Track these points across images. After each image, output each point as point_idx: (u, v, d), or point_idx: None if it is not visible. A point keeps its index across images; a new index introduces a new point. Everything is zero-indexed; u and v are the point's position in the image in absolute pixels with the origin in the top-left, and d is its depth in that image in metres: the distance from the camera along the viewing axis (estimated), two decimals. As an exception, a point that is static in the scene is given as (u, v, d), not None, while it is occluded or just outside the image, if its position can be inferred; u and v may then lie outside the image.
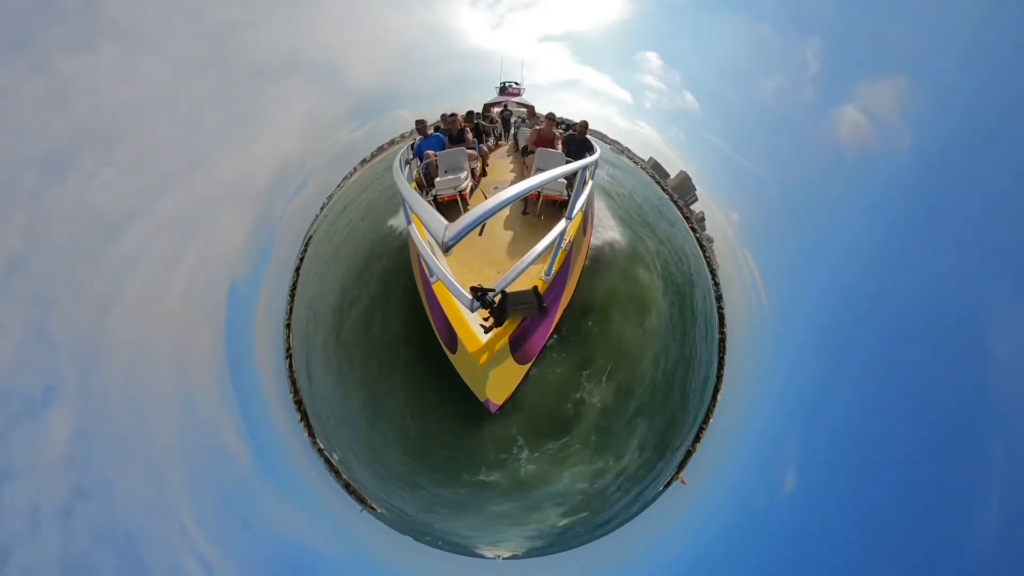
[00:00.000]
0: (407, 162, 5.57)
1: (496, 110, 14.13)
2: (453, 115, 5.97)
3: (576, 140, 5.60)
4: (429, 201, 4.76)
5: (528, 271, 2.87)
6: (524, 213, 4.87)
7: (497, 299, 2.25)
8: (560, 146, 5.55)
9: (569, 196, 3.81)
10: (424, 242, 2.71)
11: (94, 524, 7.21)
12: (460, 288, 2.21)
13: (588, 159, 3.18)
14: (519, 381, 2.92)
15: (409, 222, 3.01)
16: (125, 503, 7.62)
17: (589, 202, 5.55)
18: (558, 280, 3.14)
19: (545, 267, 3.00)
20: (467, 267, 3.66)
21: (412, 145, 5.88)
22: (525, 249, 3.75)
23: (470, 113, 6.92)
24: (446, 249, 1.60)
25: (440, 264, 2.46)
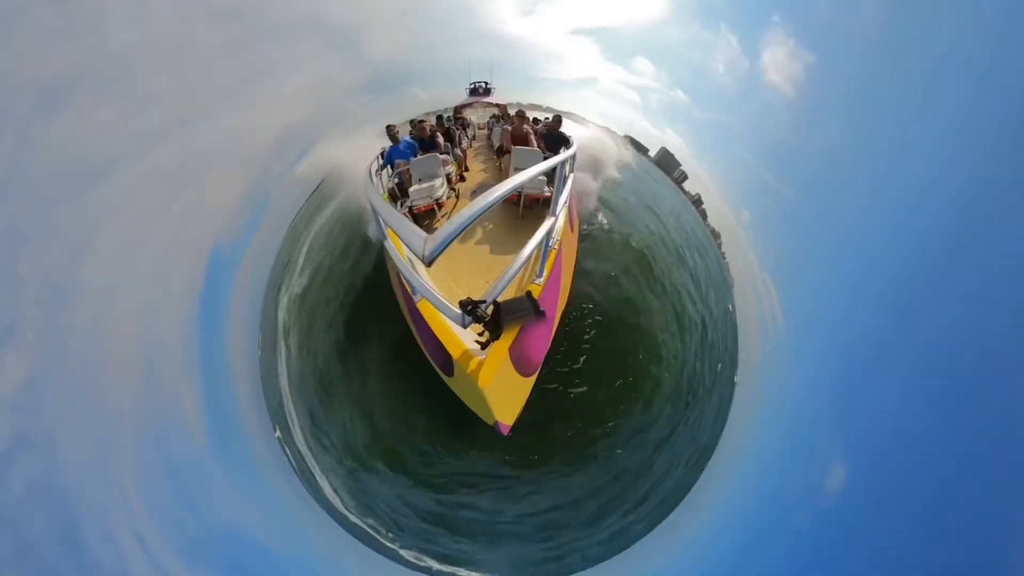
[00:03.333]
0: (378, 172, 5.49)
1: (468, 112, 14.51)
2: (421, 121, 5.92)
3: (552, 135, 5.64)
4: (404, 213, 4.66)
5: (518, 276, 2.87)
6: (521, 209, 4.86)
7: (490, 311, 2.21)
8: (535, 143, 5.57)
9: (551, 193, 3.81)
10: (403, 258, 2.67)
11: (30, 477, 7.00)
12: (448, 304, 2.16)
13: (566, 153, 3.25)
14: (527, 395, 2.82)
15: (385, 237, 2.94)
16: (67, 460, 7.43)
17: (573, 197, 5.51)
18: (551, 281, 3.12)
19: (536, 269, 3.01)
20: (452, 280, 3.59)
21: (382, 153, 5.81)
22: (512, 253, 3.79)
23: (439, 118, 6.87)
24: (428, 263, 1.58)
25: (423, 280, 2.39)
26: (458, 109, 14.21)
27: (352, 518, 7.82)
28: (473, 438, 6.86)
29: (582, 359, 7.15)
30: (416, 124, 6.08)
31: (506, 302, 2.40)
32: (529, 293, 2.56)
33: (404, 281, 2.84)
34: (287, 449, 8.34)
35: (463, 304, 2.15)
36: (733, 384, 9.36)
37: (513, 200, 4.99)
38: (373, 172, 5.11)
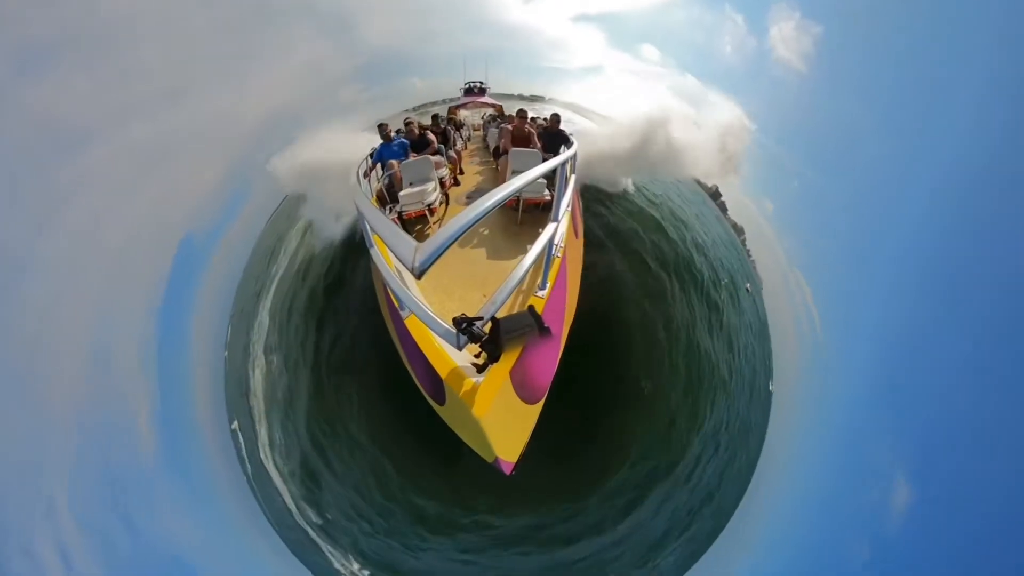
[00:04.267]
0: (366, 173, 5.33)
1: (463, 112, 14.49)
2: (410, 122, 5.76)
3: (550, 134, 5.54)
4: (393, 219, 4.53)
5: (519, 289, 2.72)
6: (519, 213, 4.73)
7: (487, 328, 2.05)
8: (534, 143, 5.47)
9: (552, 197, 3.64)
10: (390, 268, 2.51)
11: (-51, 473, 6.40)
12: (439, 321, 2.02)
13: (567, 153, 3.15)
14: (533, 426, 2.56)
15: (371, 245, 2.76)
16: (-7, 457, 6.79)
17: (576, 200, 5.38)
18: (556, 293, 2.96)
19: (538, 280, 2.86)
20: (445, 294, 3.46)
21: (371, 153, 5.65)
22: (511, 263, 3.45)
23: (435, 117, 6.73)
24: (418, 275, 1.48)
25: (411, 293, 2.24)
26: (452, 109, 14.20)
27: (314, 554, 7.23)
28: (469, 479, 6.38)
29: (590, 375, 6.76)
30: (405, 124, 5.87)
31: (506, 318, 2.16)
32: (532, 308, 2.33)
33: (391, 294, 2.61)
34: (247, 467, 7.78)
35: (457, 321, 1.96)
36: (768, 392, 8.83)
37: (511, 205, 4.86)
38: (361, 173, 4.93)
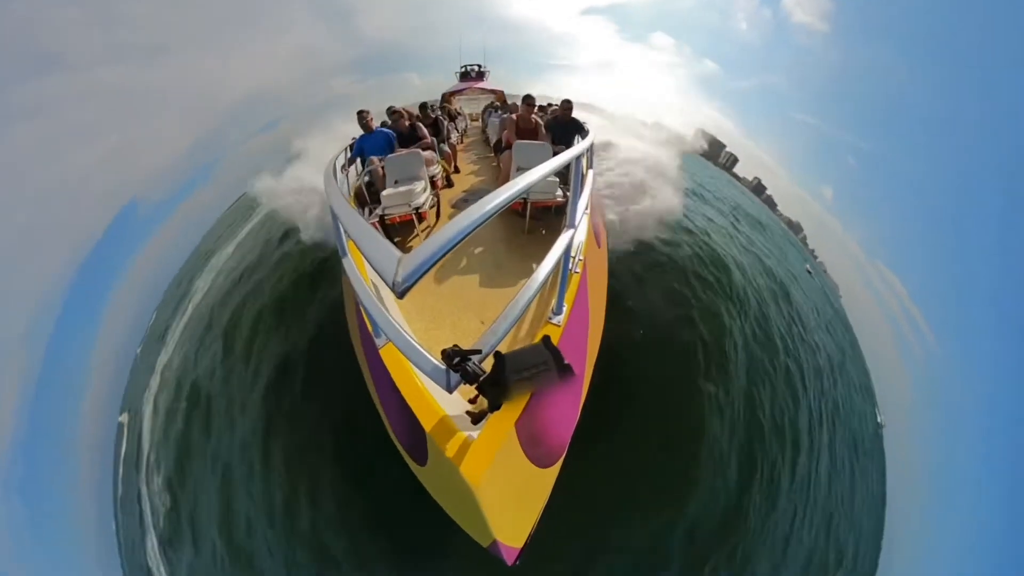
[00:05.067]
0: (343, 167, 5.42)
1: (459, 100, 14.77)
2: (396, 111, 5.91)
3: (561, 124, 5.64)
4: (374, 223, 4.54)
5: (527, 313, 2.70)
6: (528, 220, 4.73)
7: (487, 366, 1.91)
8: (542, 135, 5.56)
9: (566, 198, 3.73)
10: (365, 283, 2.41)
11: None
12: (425, 354, 1.91)
13: (582, 144, 3.05)
14: (546, 498, 2.29)
15: (344, 253, 2.69)
16: None
17: (595, 201, 5.29)
18: (576, 319, 2.81)
19: (553, 303, 2.74)
20: (433, 319, 3.36)
21: (351, 145, 5.79)
22: (518, 282, 3.55)
23: (423, 106, 6.87)
24: (400, 293, 1.40)
25: (391, 317, 2.14)
26: (446, 96, 14.53)
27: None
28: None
29: (624, 423, 6.11)
30: (391, 113, 6.00)
31: (513, 354, 2.00)
32: (546, 339, 2.14)
33: (364, 315, 2.53)
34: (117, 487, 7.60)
35: (448, 355, 1.81)
36: (877, 426, 8.28)
37: (517, 209, 4.86)
38: (337, 167, 4.94)
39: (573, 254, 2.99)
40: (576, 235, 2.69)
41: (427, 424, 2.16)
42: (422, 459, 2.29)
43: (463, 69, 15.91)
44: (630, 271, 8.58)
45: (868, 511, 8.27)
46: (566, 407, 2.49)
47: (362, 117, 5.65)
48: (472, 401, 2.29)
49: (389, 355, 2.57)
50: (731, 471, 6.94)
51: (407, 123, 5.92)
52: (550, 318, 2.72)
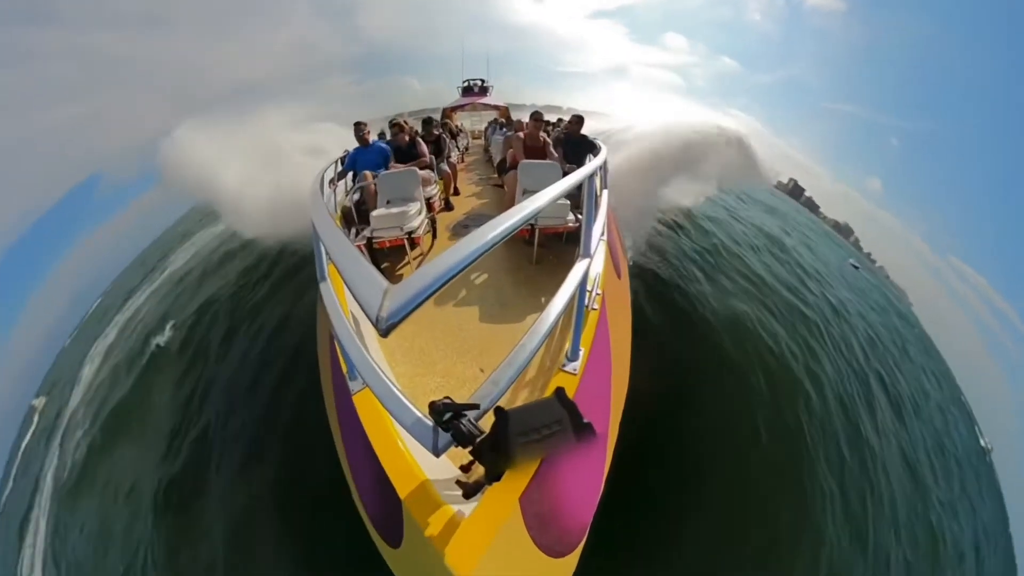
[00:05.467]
0: (332, 182, 5.50)
1: (460, 116, 15.18)
2: (397, 123, 6.00)
3: (571, 141, 5.74)
4: (360, 246, 4.53)
5: (536, 359, 2.54)
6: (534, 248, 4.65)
7: (488, 424, 1.71)
8: (550, 153, 5.62)
9: (579, 223, 3.62)
10: (344, 315, 2.33)
11: None
12: (410, 405, 1.79)
13: (594, 162, 3.03)
14: None
15: (322, 277, 2.63)
16: None
17: (613, 225, 5.26)
18: (596, 366, 2.68)
19: (566, 348, 2.62)
20: (421, 363, 3.26)
21: (343, 158, 5.89)
22: (525, 320, 3.54)
23: (428, 121, 6.99)
24: (384, 330, 1.31)
25: (370, 357, 2.03)
26: (447, 112, 14.99)
27: None
28: None
29: (666, 491, 5.28)
30: (392, 125, 6.08)
31: (518, 410, 1.80)
32: (560, 392, 1.91)
33: (339, 353, 2.43)
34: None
35: (437, 409, 1.60)
36: (982, 451, 7.56)
37: (524, 236, 4.83)
38: (326, 180, 4.93)
39: (589, 287, 2.88)
40: (592, 265, 2.60)
41: (404, 492, 1.97)
42: (394, 538, 2.07)
43: (466, 83, 16.44)
44: (657, 297, 8.35)
45: (994, 553, 7.58)
46: (586, 478, 2.29)
47: (359, 129, 5.72)
48: (465, 469, 2.07)
49: (364, 403, 2.44)
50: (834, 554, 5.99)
51: (407, 138, 5.99)
52: (564, 365, 2.59)
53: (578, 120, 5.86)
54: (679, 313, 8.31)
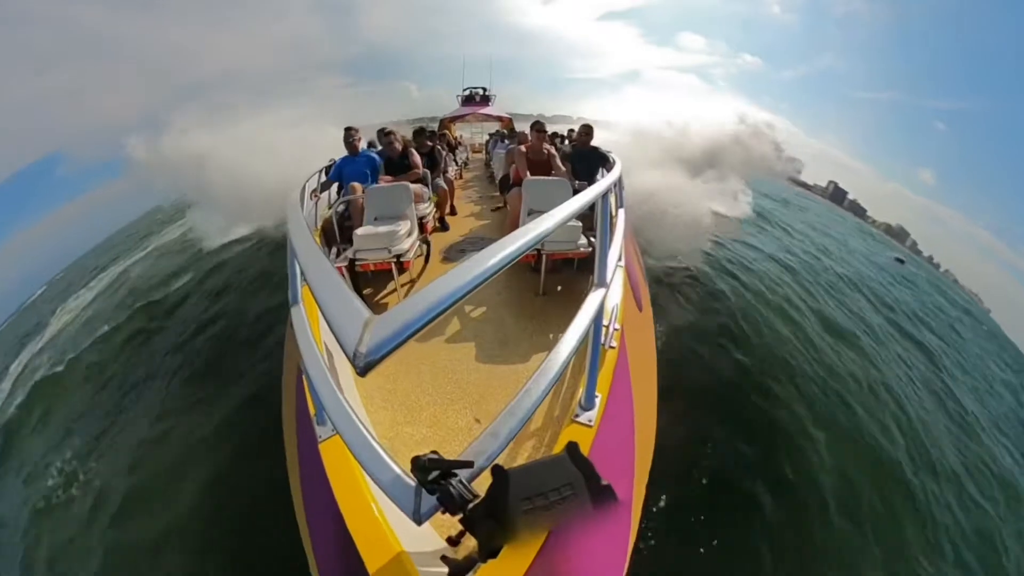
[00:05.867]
0: (314, 193, 5.54)
1: (459, 127, 15.49)
2: (389, 132, 6.05)
3: (581, 155, 5.80)
4: (341, 268, 4.50)
5: (543, 408, 2.54)
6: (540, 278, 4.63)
7: (484, 487, 1.62)
8: (559, 167, 5.66)
9: (592, 247, 3.64)
10: (317, 347, 2.30)
11: None
12: (388, 459, 1.66)
13: (609, 177, 3.00)
14: None
15: (295, 300, 2.61)
16: None
17: (632, 248, 5.27)
18: (616, 414, 2.64)
19: (580, 395, 2.58)
20: (405, 408, 3.18)
21: (328, 167, 5.94)
22: (530, 360, 3.50)
23: (420, 131, 7.03)
24: (362, 368, 1.26)
25: (345, 397, 1.97)
26: (445, 122, 15.32)
27: None
28: None
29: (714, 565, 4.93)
30: (384, 134, 6.13)
31: (522, 470, 1.73)
32: (572, 447, 1.85)
33: (306, 391, 2.40)
34: None
35: (422, 465, 1.50)
36: None
37: (529, 263, 4.81)
38: (308, 191, 4.94)
39: (606, 322, 2.83)
40: (609, 296, 2.52)
41: (374, 567, 1.87)
42: None
43: (466, 92, 16.83)
44: (688, 326, 8.14)
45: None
46: (606, 553, 2.13)
47: (349, 135, 5.72)
48: (453, 541, 1.98)
49: (332, 453, 2.37)
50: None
51: (399, 148, 6.02)
52: (577, 415, 2.51)
53: (587, 130, 5.89)
54: (716, 345, 8.03)
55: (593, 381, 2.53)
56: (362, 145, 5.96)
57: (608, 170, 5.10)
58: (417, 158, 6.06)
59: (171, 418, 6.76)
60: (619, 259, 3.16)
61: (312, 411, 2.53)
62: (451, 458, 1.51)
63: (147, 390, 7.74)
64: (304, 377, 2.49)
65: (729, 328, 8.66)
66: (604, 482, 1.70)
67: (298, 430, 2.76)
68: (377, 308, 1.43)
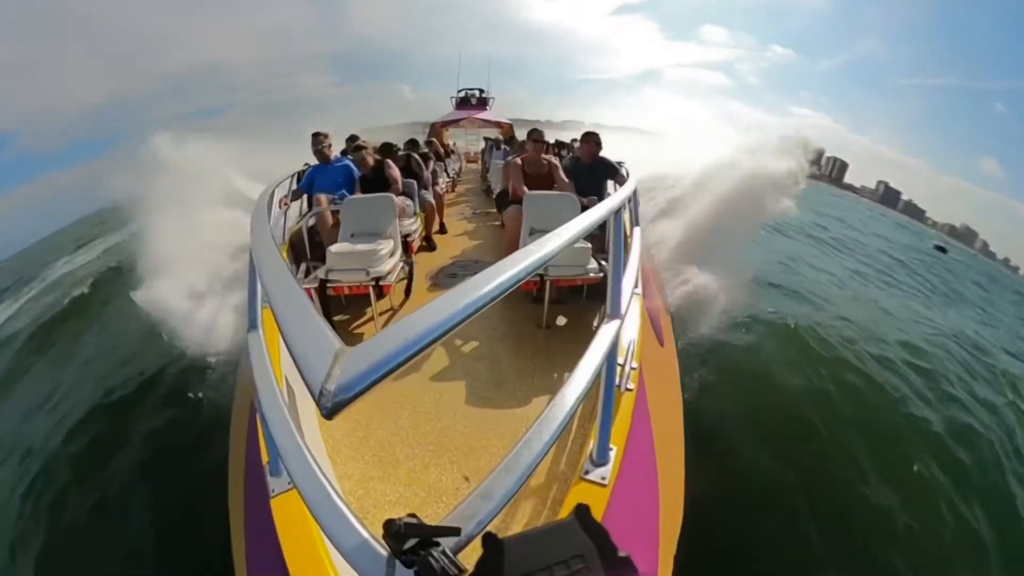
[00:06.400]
0: (283, 202, 5.62)
1: (450, 133, 15.73)
2: (356, 146, 6.18)
3: (586, 166, 5.90)
4: (310, 289, 4.53)
5: (546, 463, 2.59)
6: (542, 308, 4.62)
7: (473, 559, 1.57)
8: (563, 181, 5.73)
9: (604, 274, 3.71)
10: (276, 382, 2.24)
11: None
12: (355, 522, 1.61)
13: (622, 192, 3.02)
14: None
15: (254, 326, 2.61)
16: None
17: (651, 273, 5.34)
18: (634, 470, 2.63)
19: (591, 448, 2.56)
20: (379, 461, 3.18)
21: (299, 174, 6.04)
22: (530, 405, 3.56)
23: (387, 147, 7.13)
24: (329, 410, 1.20)
25: (306, 444, 1.89)
26: (437, 128, 15.57)
27: None
28: None
29: None
30: (353, 147, 6.26)
31: (519, 538, 1.64)
32: (582, 511, 1.77)
33: (260, 433, 2.42)
34: None
35: (396, 531, 1.43)
36: None
37: (530, 291, 4.83)
38: (276, 201, 4.94)
39: (621, 360, 2.80)
40: (624, 329, 2.54)
41: None
42: None
43: (461, 93, 17.09)
44: (723, 359, 7.94)
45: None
46: None
47: (318, 141, 5.78)
48: None
49: (287, 510, 2.32)
50: None
51: (371, 162, 6.05)
52: (587, 472, 2.48)
53: (593, 141, 5.95)
54: (752, 380, 7.77)
55: (607, 431, 2.51)
56: (334, 153, 6.03)
57: (619, 183, 5.11)
58: (395, 171, 6.04)
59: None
60: (635, 286, 3.16)
61: (265, 459, 2.51)
62: (433, 523, 1.44)
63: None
64: (258, 417, 2.47)
65: (781, 364, 8.46)
66: (622, 553, 1.64)
67: (246, 481, 2.73)
68: (350, 339, 1.39)
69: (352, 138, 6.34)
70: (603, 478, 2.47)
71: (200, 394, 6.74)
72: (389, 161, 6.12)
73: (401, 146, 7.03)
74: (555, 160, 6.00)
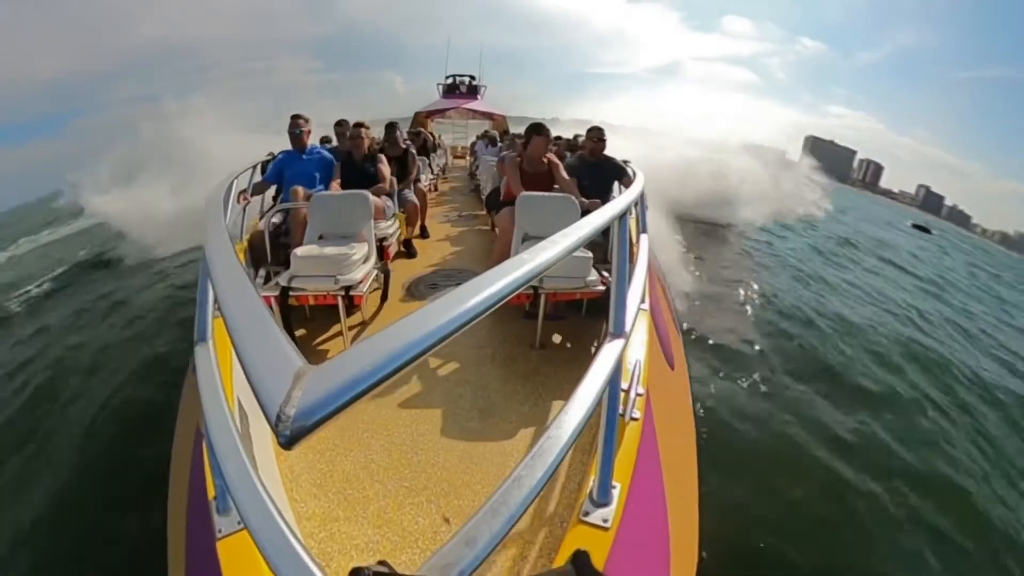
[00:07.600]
0: (242, 195, 5.62)
1: (435, 124, 15.91)
2: (358, 125, 6.20)
3: (589, 165, 6.04)
4: (270, 297, 4.59)
5: (538, 502, 2.42)
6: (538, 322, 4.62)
7: None
8: (564, 180, 5.79)
9: (606, 286, 3.73)
10: (227, 406, 2.20)
11: None
12: (316, 571, 1.65)
13: (627, 195, 2.99)
14: None
15: (203, 338, 2.61)
16: None
17: (659, 285, 5.39)
18: (640, 510, 2.64)
19: (592, 483, 2.58)
20: (343, 496, 3.18)
21: (265, 163, 6.07)
22: (520, 436, 3.59)
23: (392, 125, 7.20)
24: (287, 439, 1.19)
25: (259, 477, 1.98)
26: (420, 117, 15.80)
27: None
28: None
29: None
30: (352, 126, 6.28)
31: None
32: (580, 557, 1.82)
33: (206, 464, 2.44)
34: None
35: None
36: None
37: (522, 305, 4.86)
38: (234, 192, 4.93)
39: (626, 385, 2.82)
40: (629, 350, 2.59)
41: None
42: None
43: (449, 80, 17.11)
44: (741, 384, 7.97)
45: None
46: None
47: (296, 125, 5.77)
48: None
49: (236, 554, 2.32)
50: None
51: (367, 150, 6.09)
52: (587, 513, 2.47)
53: (597, 137, 6.04)
54: (791, 411, 7.81)
55: (609, 466, 2.51)
56: (312, 140, 6.00)
57: (626, 185, 5.15)
58: (386, 168, 6.08)
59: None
60: (642, 300, 3.16)
61: (211, 493, 2.50)
62: (407, 572, 1.45)
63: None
64: (204, 444, 2.48)
65: (810, 386, 8.50)
66: None
67: (188, 519, 2.71)
68: (314, 356, 1.42)
69: (340, 123, 6.33)
70: (605, 520, 2.45)
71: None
72: (383, 155, 6.19)
73: (385, 132, 7.03)
74: (555, 159, 6.05)
